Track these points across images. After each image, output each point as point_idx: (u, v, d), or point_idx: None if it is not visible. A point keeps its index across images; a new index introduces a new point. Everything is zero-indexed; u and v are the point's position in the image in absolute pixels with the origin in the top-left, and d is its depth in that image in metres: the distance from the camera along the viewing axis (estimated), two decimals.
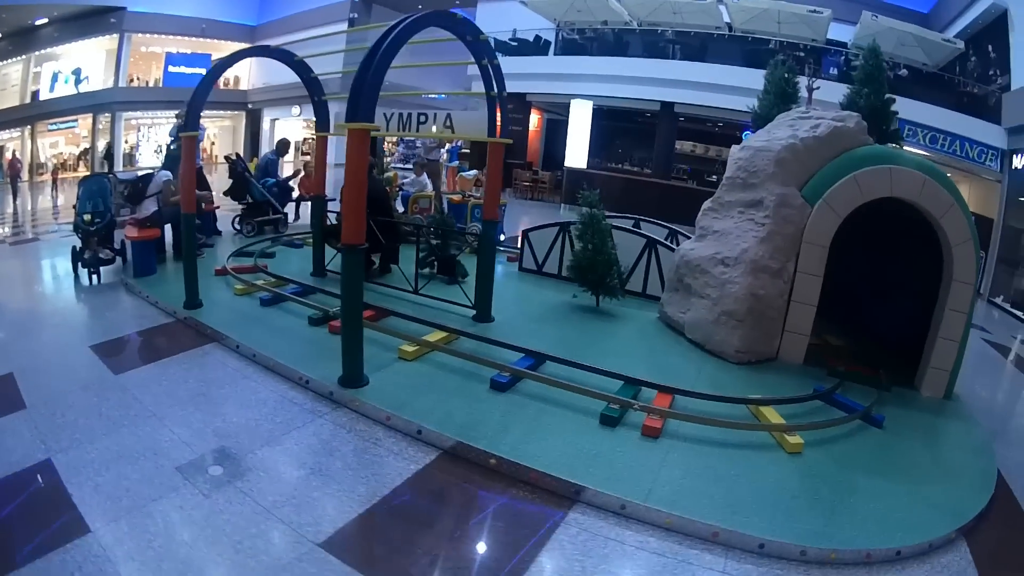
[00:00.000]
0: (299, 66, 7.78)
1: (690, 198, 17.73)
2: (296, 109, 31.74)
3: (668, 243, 8.20)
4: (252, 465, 4.04)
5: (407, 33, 4.84)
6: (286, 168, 14.03)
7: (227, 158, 10.85)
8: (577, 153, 20.22)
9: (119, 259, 8.22)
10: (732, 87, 18.62)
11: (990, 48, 18.67)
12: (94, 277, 7.86)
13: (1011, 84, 15.42)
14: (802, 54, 19.56)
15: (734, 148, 6.64)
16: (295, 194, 12.01)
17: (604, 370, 5.15)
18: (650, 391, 5.00)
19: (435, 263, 8.14)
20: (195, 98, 6.36)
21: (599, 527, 3.60)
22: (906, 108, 13.59)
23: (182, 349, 5.81)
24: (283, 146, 11.65)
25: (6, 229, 14.30)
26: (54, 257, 9.84)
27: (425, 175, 11.38)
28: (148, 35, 29.94)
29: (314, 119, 8.08)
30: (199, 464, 4.00)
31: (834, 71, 19.94)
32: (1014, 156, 15.14)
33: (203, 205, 9.13)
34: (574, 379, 5.06)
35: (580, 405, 4.78)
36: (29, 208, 18.98)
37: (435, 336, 5.97)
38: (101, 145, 28.89)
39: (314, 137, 8.45)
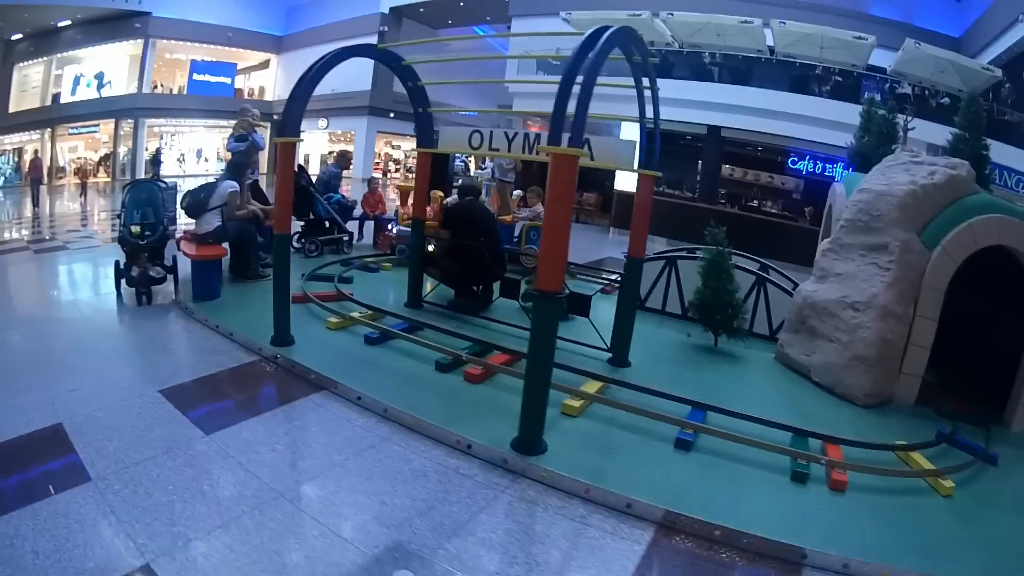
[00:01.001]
0: (405, 71, 6.64)
1: (748, 225, 16.97)
2: (323, 122, 30.60)
3: (773, 279, 7.57)
4: (449, 565, 2.90)
5: (609, 47, 4.06)
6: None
7: None
8: (627, 176, 18.99)
9: (169, 278, 6.89)
10: (779, 112, 18.01)
11: None
12: (143, 298, 6.52)
13: None
14: (839, 79, 18.81)
15: (837, 186, 6.58)
16: (357, 212, 10.66)
17: (772, 421, 4.59)
18: (814, 440, 4.58)
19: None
20: (296, 99, 5.20)
21: None
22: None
23: (284, 399, 4.55)
24: (346, 159, 10.41)
25: (29, 233, 12.97)
26: (88, 268, 8.57)
27: (540, 205, 10.11)
28: (173, 42, 28.72)
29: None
30: (378, 571, 2.80)
31: (875, 96, 19.28)
32: None
33: (266, 220, 7.93)
34: (741, 431, 4.44)
35: (763, 461, 4.20)
36: (48, 212, 17.63)
37: (592, 386, 4.93)
38: (123, 151, 27.61)
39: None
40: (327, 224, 9.46)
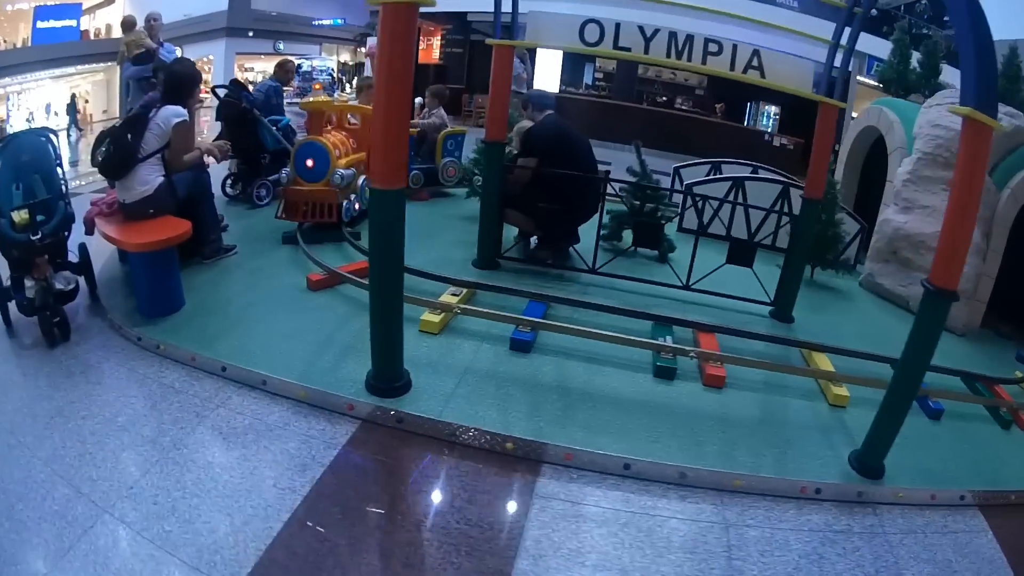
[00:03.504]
0: None
1: (665, 121, 15.55)
2: (178, 51, 25.32)
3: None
4: None
5: None
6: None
7: (214, 90, 6.39)
8: (547, 77, 16.76)
9: (81, 282, 3.91)
10: (689, 7, 16.02)
11: None
12: (56, 331, 3.44)
13: None
14: None
15: (887, 112, 6.51)
16: (300, 137, 5.91)
17: (950, 369, 4.12)
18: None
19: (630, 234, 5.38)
20: None
21: None
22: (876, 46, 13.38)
23: (502, 508, 2.43)
24: (285, 70, 7.05)
25: None
26: None
27: (441, 109, 7.31)
28: None
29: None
30: None
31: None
32: None
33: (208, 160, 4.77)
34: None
35: (973, 413, 3.87)
36: None
37: (821, 361, 3.97)
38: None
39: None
40: (267, 158, 6.22)
